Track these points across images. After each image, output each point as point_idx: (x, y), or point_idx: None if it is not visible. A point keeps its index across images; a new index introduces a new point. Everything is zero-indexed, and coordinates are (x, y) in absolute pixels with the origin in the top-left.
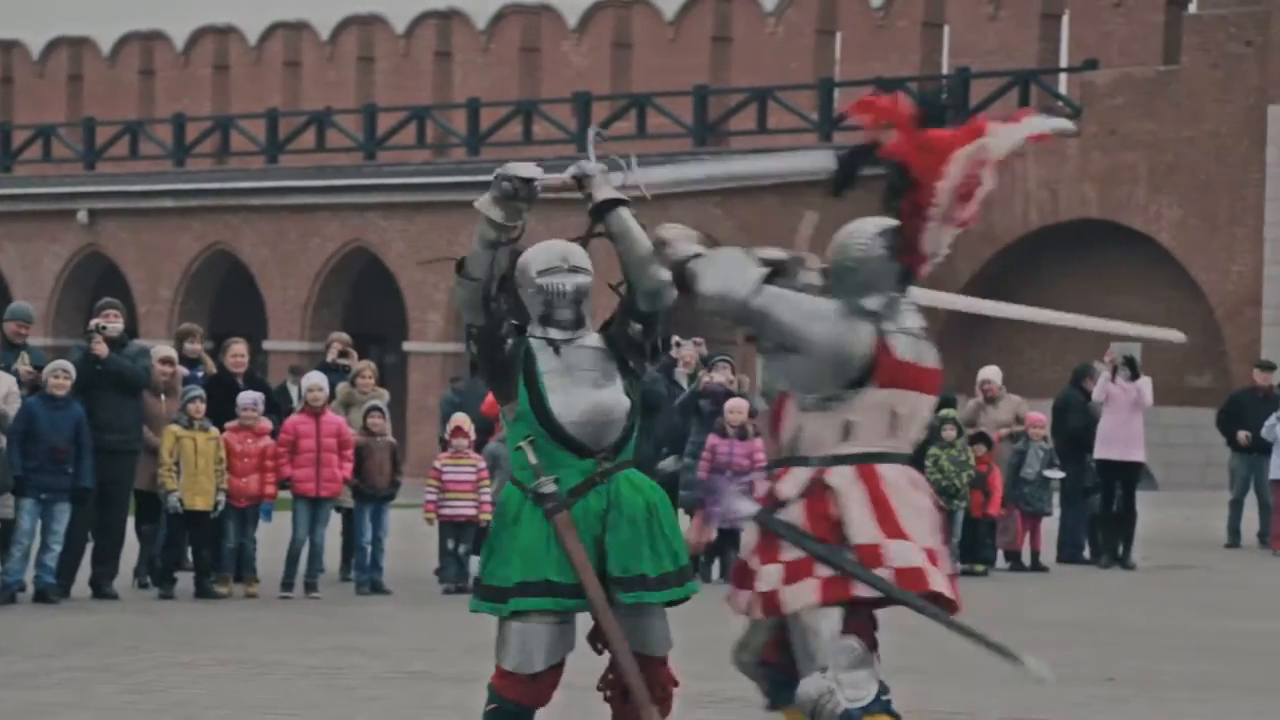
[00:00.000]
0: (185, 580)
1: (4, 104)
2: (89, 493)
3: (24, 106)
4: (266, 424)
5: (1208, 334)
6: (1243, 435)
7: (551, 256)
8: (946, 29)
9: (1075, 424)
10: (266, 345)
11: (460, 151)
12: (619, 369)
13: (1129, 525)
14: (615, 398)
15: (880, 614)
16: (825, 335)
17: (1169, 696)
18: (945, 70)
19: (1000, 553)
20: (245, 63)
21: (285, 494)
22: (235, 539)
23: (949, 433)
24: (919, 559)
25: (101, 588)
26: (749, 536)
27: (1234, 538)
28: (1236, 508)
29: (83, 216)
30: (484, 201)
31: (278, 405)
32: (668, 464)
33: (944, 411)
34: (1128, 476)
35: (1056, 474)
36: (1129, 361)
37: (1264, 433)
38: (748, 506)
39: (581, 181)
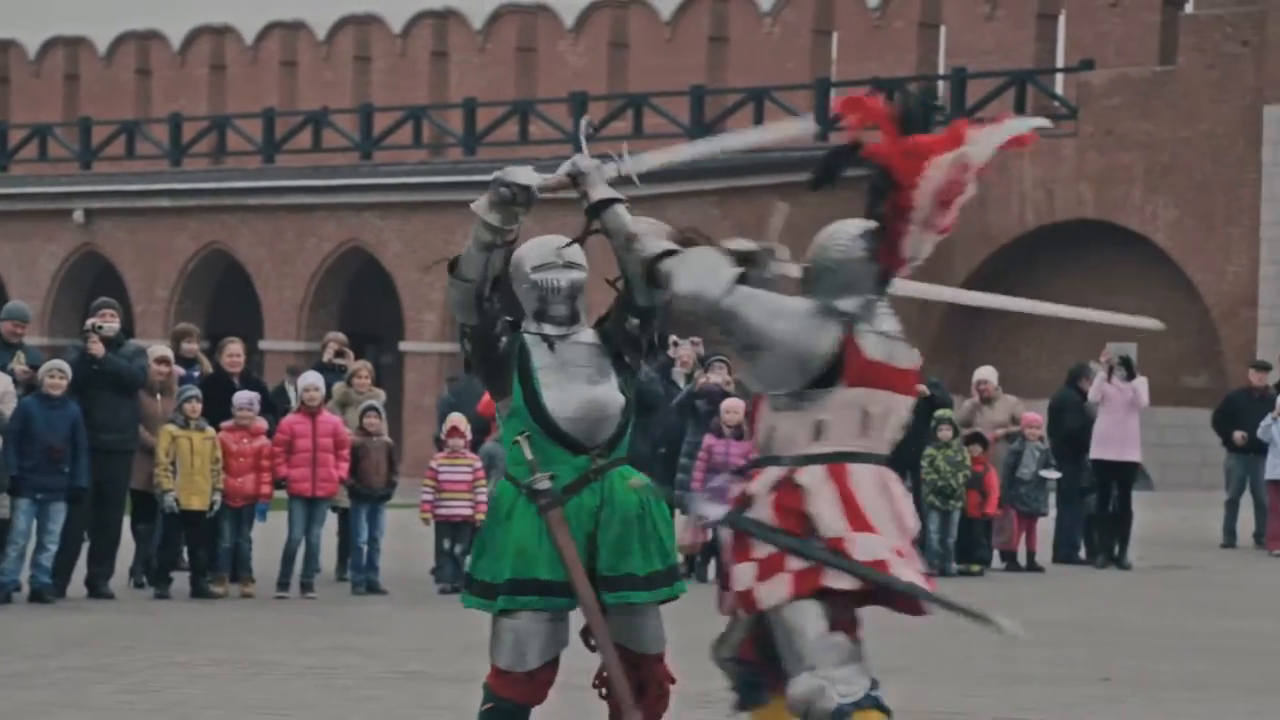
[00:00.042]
0: (181, 580)
1: (0, 103)
2: (85, 492)
3: (20, 106)
4: (262, 424)
5: (1203, 334)
6: (1238, 435)
7: (546, 252)
8: (943, 29)
9: (1071, 424)
10: (263, 345)
11: (457, 151)
12: (614, 365)
13: (1125, 525)
14: (610, 394)
15: (865, 614)
16: (787, 333)
17: (1165, 696)
18: (942, 70)
19: (996, 553)
20: (242, 62)
21: (281, 494)
22: (231, 539)
23: (945, 433)
24: (885, 553)
25: (97, 587)
26: (724, 538)
27: (1229, 538)
28: (1232, 508)
29: (79, 216)
30: (481, 205)
31: (274, 405)
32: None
33: (940, 412)
34: (1124, 476)
35: (1052, 474)
36: (1125, 361)
37: (1259, 433)
38: (716, 510)
39: (576, 179)
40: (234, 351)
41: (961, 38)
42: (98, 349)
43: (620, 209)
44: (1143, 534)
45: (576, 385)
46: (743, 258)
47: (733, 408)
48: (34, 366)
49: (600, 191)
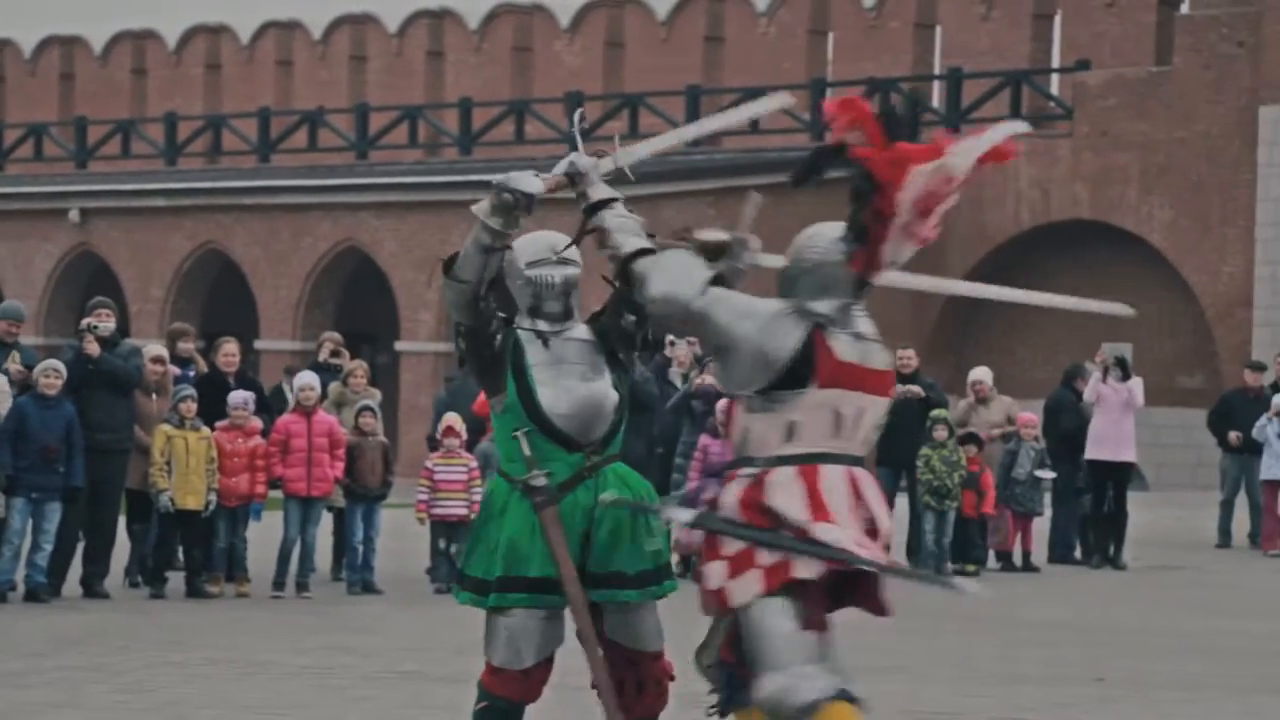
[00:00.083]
0: (176, 580)
1: None
2: (80, 492)
3: (15, 105)
4: (257, 423)
5: (1199, 335)
6: (1234, 436)
7: (540, 248)
8: (938, 29)
9: (1068, 425)
10: (258, 345)
11: (452, 151)
12: (608, 362)
13: (1120, 526)
14: (604, 391)
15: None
16: (750, 332)
17: (1159, 697)
18: (937, 71)
19: (991, 553)
20: (237, 62)
21: (276, 493)
22: (226, 538)
23: (940, 433)
24: (846, 541)
25: (92, 587)
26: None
27: (1225, 538)
28: (1227, 508)
29: (74, 215)
30: (482, 208)
31: (269, 404)
32: None
33: (935, 412)
34: (1119, 477)
35: (1048, 474)
36: (1120, 362)
37: (1255, 433)
38: (685, 514)
39: (574, 179)
40: (229, 351)
41: (957, 38)
42: (93, 349)
43: (619, 208)
44: (1138, 534)
45: (571, 382)
46: (715, 248)
47: (728, 408)
48: (29, 366)
49: (599, 191)
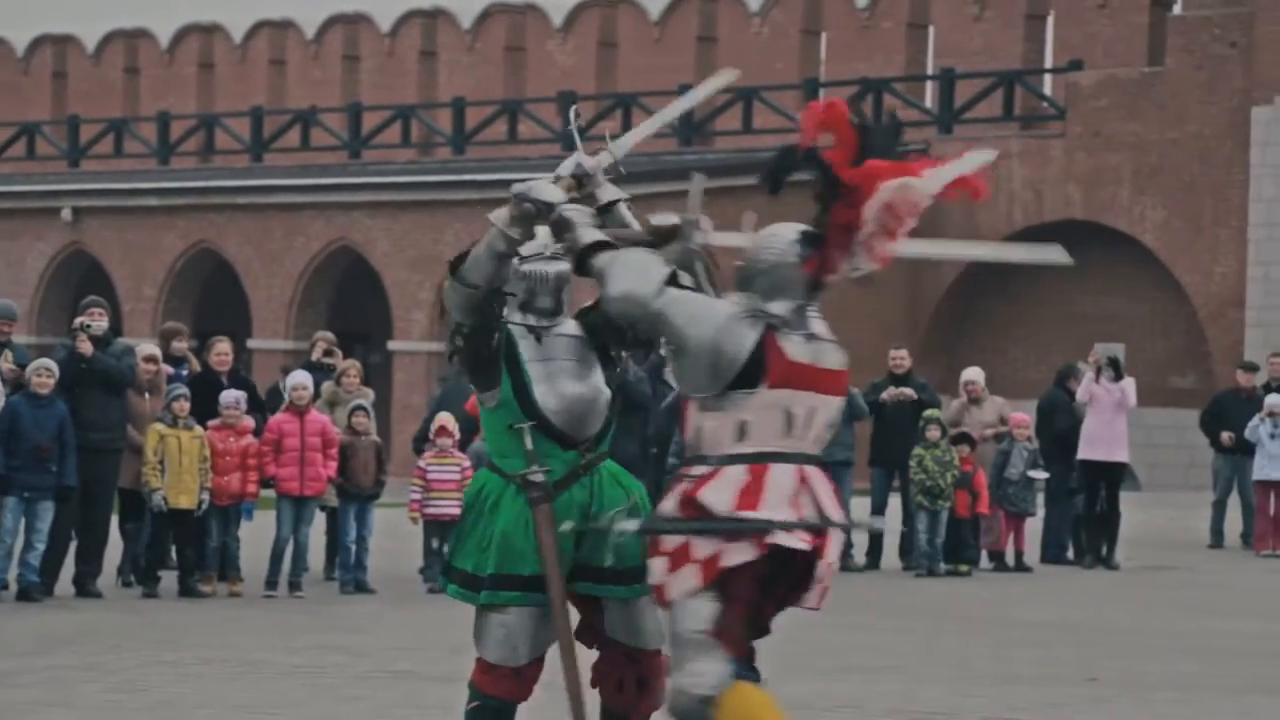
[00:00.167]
0: (169, 579)
1: None
2: (73, 491)
3: (8, 104)
4: (249, 422)
5: (1191, 335)
6: (1226, 436)
7: (534, 244)
8: (931, 30)
9: (1061, 425)
10: (251, 344)
11: (445, 151)
12: (599, 359)
13: (1113, 526)
14: (596, 387)
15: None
16: (704, 340)
17: (1152, 697)
18: (930, 71)
19: (984, 553)
20: (230, 61)
21: (269, 493)
22: (218, 538)
23: (933, 433)
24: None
25: (85, 586)
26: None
27: (1217, 538)
28: (1220, 508)
29: (67, 214)
30: (501, 217)
31: (261, 404)
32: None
33: (928, 412)
34: (1111, 477)
35: (1041, 474)
36: (1113, 362)
37: (1247, 434)
38: (631, 524)
39: (582, 180)
40: (222, 350)
41: (950, 38)
42: (86, 348)
43: (623, 207)
44: (1130, 534)
45: (565, 378)
46: (668, 232)
47: None
48: (21, 365)
49: (608, 192)
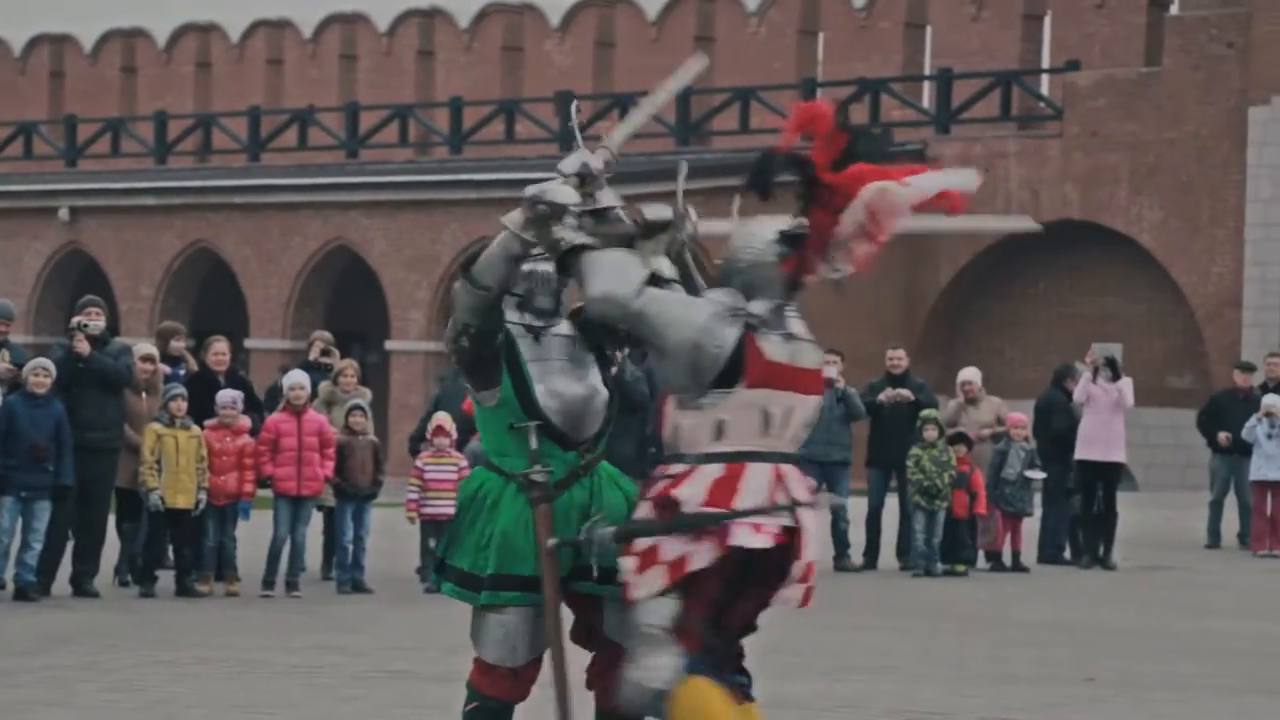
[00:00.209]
0: (166, 578)
1: None
2: (70, 491)
3: (5, 104)
4: (246, 422)
5: (1188, 335)
6: (1223, 436)
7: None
8: (929, 30)
9: (1059, 425)
10: (248, 344)
11: (443, 150)
12: (596, 359)
13: (1110, 526)
14: (595, 388)
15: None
16: (683, 343)
17: (1149, 697)
18: (927, 71)
19: (981, 553)
20: (227, 60)
21: (266, 493)
22: (215, 537)
23: (930, 433)
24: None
25: (82, 586)
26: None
27: (1214, 539)
28: (1217, 509)
29: (64, 214)
30: (514, 220)
31: (258, 403)
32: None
33: (925, 412)
34: (1108, 477)
35: (1038, 474)
36: (1110, 362)
37: (1244, 434)
38: (605, 533)
39: (585, 179)
40: (219, 350)
41: (947, 38)
42: (83, 347)
43: (620, 212)
44: (1127, 534)
45: (564, 378)
46: (660, 225)
47: None
48: (19, 364)
49: (608, 197)
